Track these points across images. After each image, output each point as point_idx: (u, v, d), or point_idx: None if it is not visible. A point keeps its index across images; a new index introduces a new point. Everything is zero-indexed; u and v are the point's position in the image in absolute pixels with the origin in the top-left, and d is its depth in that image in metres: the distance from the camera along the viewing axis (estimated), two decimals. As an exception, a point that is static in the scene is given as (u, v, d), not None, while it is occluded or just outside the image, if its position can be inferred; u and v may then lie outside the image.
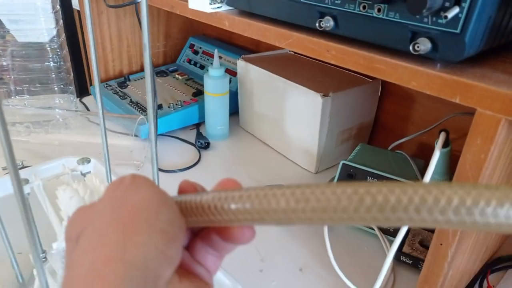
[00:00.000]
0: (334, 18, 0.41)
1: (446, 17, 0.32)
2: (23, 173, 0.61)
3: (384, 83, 0.79)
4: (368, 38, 0.40)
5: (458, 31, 0.32)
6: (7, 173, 0.71)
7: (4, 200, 0.47)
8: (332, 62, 0.44)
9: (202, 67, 1.07)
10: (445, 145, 0.43)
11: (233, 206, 0.19)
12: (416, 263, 0.56)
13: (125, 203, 0.19)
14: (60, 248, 0.39)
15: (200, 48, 1.10)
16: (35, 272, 0.44)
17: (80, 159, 0.45)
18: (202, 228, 0.23)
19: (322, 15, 0.42)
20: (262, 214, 0.18)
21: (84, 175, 0.45)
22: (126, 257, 0.17)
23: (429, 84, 0.37)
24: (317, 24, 0.42)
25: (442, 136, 0.41)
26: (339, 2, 0.40)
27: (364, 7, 0.38)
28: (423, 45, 0.34)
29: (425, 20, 0.34)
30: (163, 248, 0.18)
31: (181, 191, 0.23)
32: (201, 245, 0.23)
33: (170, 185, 0.33)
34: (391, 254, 0.43)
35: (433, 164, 0.38)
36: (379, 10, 0.37)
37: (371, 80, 0.79)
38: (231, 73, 0.96)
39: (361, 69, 0.42)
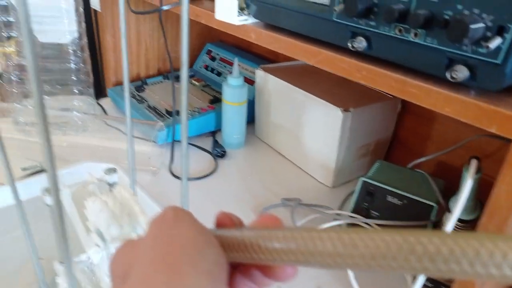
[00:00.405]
0: (367, 39, 0.41)
1: (488, 47, 0.31)
2: (46, 177, 0.61)
3: (404, 100, 0.79)
4: (402, 61, 0.39)
5: (499, 61, 0.32)
6: (28, 173, 0.71)
7: (25, 204, 0.47)
8: (362, 82, 0.44)
9: (219, 73, 1.07)
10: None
11: (277, 245, 0.19)
12: (438, 285, 0.55)
13: (169, 243, 0.19)
14: (83, 259, 0.39)
15: (218, 54, 1.10)
16: (58, 280, 0.44)
17: (107, 169, 0.45)
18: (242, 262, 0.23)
19: (354, 35, 0.42)
20: (307, 256, 0.18)
21: (110, 185, 0.45)
22: None
23: (464, 111, 0.36)
24: (349, 44, 0.42)
25: (473, 163, 0.41)
26: (373, 23, 0.40)
27: (400, 31, 0.38)
28: (461, 73, 0.34)
29: (464, 48, 0.34)
30: None
31: (219, 223, 0.23)
32: (240, 279, 0.22)
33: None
34: (420, 282, 0.42)
35: (466, 192, 0.38)
36: (415, 35, 0.37)
37: (391, 96, 0.79)
38: (248, 81, 0.96)
39: (393, 92, 0.41)
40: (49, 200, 0.42)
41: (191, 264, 0.18)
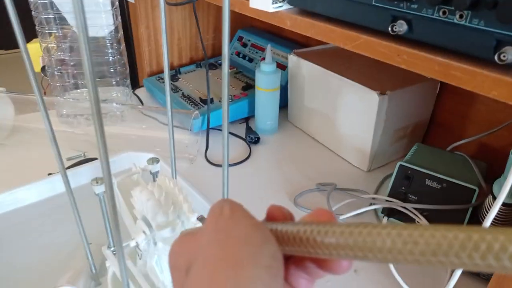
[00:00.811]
0: (409, 22, 0.40)
1: (541, 27, 0.30)
2: (92, 166, 0.64)
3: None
4: (445, 44, 0.38)
5: (552, 41, 0.30)
6: (72, 165, 0.74)
7: (73, 191, 0.49)
8: (403, 66, 0.43)
9: (250, 60, 1.07)
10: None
11: (333, 240, 0.19)
12: (477, 271, 0.55)
13: (229, 237, 0.20)
14: (132, 245, 0.41)
15: (249, 40, 1.10)
16: (107, 263, 0.47)
17: (150, 159, 0.46)
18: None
19: (395, 18, 0.41)
20: (366, 252, 0.18)
21: (153, 174, 0.47)
22: None
23: (513, 94, 0.35)
24: (389, 28, 0.41)
25: (521, 147, 0.39)
26: (415, 6, 0.39)
27: (444, 13, 0.37)
28: (510, 55, 0.33)
29: (514, 28, 0.32)
30: (269, 282, 0.19)
31: (270, 216, 0.24)
32: (294, 270, 0.23)
33: (221, 179, 0.35)
34: (459, 270, 0.42)
35: (512, 176, 0.37)
36: (461, 17, 0.35)
37: (429, 78, 0.76)
38: (280, 66, 0.96)
39: (435, 75, 0.40)
40: (97, 189, 0.44)
41: (251, 258, 0.19)
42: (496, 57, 0.34)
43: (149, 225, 0.39)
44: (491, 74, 0.36)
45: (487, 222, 0.41)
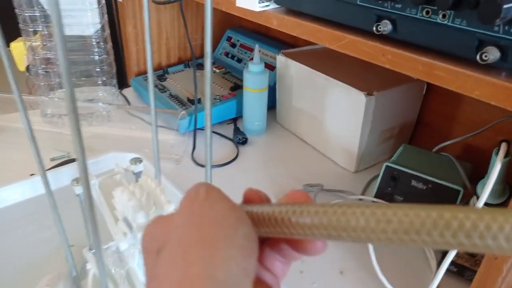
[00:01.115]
0: (393, 22, 0.40)
1: (521, 27, 0.30)
2: (75, 167, 0.63)
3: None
4: (429, 44, 0.38)
5: (533, 41, 0.31)
6: (55, 166, 0.73)
7: (55, 193, 0.48)
8: (387, 66, 0.43)
9: (239, 60, 1.06)
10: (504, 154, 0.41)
11: (308, 220, 0.19)
12: (461, 272, 0.55)
13: (204, 218, 0.20)
14: (112, 247, 0.40)
15: (238, 41, 1.10)
16: (88, 266, 0.46)
17: (133, 159, 0.46)
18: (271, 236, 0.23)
19: (379, 18, 0.41)
20: (340, 231, 0.18)
21: (136, 174, 0.46)
22: (212, 273, 0.18)
23: (495, 94, 0.35)
24: (374, 28, 0.41)
25: (503, 147, 0.40)
26: (399, 6, 0.39)
27: (427, 12, 0.37)
28: (492, 55, 0.33)
29: (496, 29, 0.32)
30: (242, 262, 0.19)
31: (247, 199, 0.24)
32: (269, 252, 0.23)
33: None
34: (444, 266, 0.42)
35: (494, 175, 0.37)
36: (444, 16, 0.35)
37: (415, 78, 0.77)
38: (268, 67, 0.95)
39: (419, 75, 0.40)
40: (78, 189, 0.43)
41: (225, 238, 0.19)
42: (478, 57, 0.34)
43: (130, 226, 0.38)
44: (473, 74, 0.36)
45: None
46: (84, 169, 0.26)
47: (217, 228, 0.19)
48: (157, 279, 0.19)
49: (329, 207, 0.19)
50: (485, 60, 0.34)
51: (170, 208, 0.37)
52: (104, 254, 0.45)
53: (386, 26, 0.40)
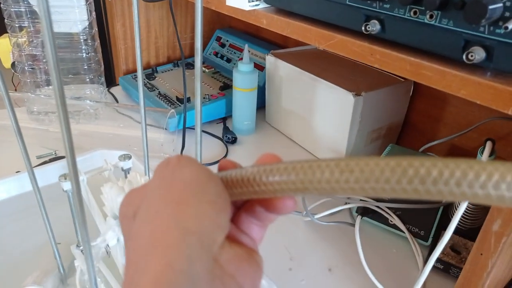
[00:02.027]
0: (381, 22, 0.41)
1: (506, 28, 0.31)
2: (62, 164, 0.62)
3: (416, 83, 0.78)
4: (416, 44, 0.39)
5: (517, 42, 0.31)
6: (42, 163, 0.72)
7: (42, 190, 0.48)
8: (376, 66, 0.44)
9: (229, 60, 1.07)
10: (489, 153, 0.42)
11: (277, 177, 0.20)
12: (447, 269, 0.56)
13: (174, 180, 0.21)
14: (101, 243, 0.40)
15: (227, 41, 1.10)
16: (76, 263, 0.46)
17: (122, 155, 0.45)
18: (246, 201, 0.25)
19: (368, 18, 0.42)
20: (306, 184, 0.19)
21: (125, 171, 0.46)
22: (182, 225, 0.19)
23: (480, 93, 0.36)
24: (362, 28, 0.42)
25: (488, 145, 0.41)
26: (387, 6, 0.39)
27: (415, 13, 0.37)
28: (478, 55, 0.34)
29: (482, 29, 0.33)
30: (213, 216, 0.20)
31: (222, 168, 0.25)
32: (245, 216, 0.24)
33: None
34: (431, 263, 0.42)
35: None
36: (431, 17, 0.36)
37: (402, 80, 0.78)
38: (258, 67, 0.96)
39: (407, 75, 0.41)
40: (66, 185, 0.43)
41: (194, 196, 0.20)
42: (464, 57, 0.35)
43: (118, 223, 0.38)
44: (459, 74, 0.37)
45: (455, 219, 0.41)
46: (73, 163, 0.26)
47: (186, 188, 0.20)
48: (132, 238, 0.20)
49: (297, 163, 0.20)
50: (471, 60, 0.34)
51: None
52: (93, 250, 0.44)
53: (374, 26, 0.41)
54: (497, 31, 0.32)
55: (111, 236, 0.37)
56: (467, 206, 0.52)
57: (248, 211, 0.24)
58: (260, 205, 0.23)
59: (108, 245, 0.39)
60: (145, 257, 0.18)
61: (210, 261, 0.19)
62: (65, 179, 0.41)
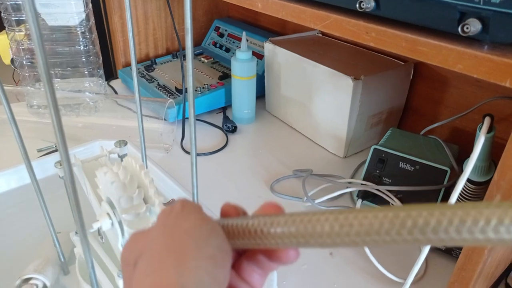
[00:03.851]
0: (375, -1, 0.40)
1: (501, -4, 0.30)
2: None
3: (417, 66, 0.77)
4: (412, 19, 0.38)
5: (512, 11, 0.31)
6: (43, 154, 0.73)
7: (41, 182, 0.48)
8: (372, 44, 0.43)
9: (227, 50, 1.06)
10: (488, 130, 0.42)
11: (278, 230, 0.20)
12: (449, 250, 0.55)
13: (177, 230, 0.21)
14: (95, 227, 0.40)
15: (226, 30, 1.09)
16: (75, 250, 0.46)
17: (117, 141, 0.45)
18: (248, 248, 0.25)
19: (362, -5, 0.41)
20: (307, 238, 0.19)
21: (121, 157, 0.46)
22: (182, 280, 0.19)
23: (477, 67, 0.35)
24: (357, 5, 0.41)
25: (487, 121, 0.40)
26: (381, -19, 0.39)
27: (409, -13, 0.37)
28: (473, 26, 0.33)
29: (476, 0, 0.33)
30: (213, 272, 0.20)
31: (224, 213, 0.25)
32: (247, 264, 0.24)
33: (198, 167, 0.34)
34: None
35: (478, 149, 0.37)
36: (425, -10, 0.35)
37: (402, 63, 0.77)
38: (257, 55, 0.95)
39: (403, 52, 0.40)
40: (61, 172, 0.43)
41: (196, 249, 0.20)
42: (460, 29, 0.34)
43: (113, 207, 0.38)
44: (456, 48, 0.36)
45: (453, 198, 0.41)
46: (64, 145, 0.26)
47: (189, 239, 0.20)
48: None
49: (296, 216, 0.20)
50: (467, 32, 0.34)
51: (154, 191, 0.36)
52: (90, 235, 0.44)
53: (369, 3, 0.40)
54: (492, 1, 0.32)
55: (105, 221, 0.36)
56: (467, 186, 0.51)
57: (250, 259, 0.24)
58: (263, 254, 0.23)
59: (101, 228, 0.39)
60: None
61: None
62: (61, 165, 0.41)
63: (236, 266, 0.24)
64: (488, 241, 0.15)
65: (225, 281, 0.21)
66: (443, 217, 0.16)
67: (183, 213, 0.22)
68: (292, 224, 0.20)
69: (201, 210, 0.22)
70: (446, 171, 0.59)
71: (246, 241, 0.22)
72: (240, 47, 0.83)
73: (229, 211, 0.25)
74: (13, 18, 0.82)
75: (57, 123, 0.25)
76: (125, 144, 0.45)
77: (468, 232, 0.15)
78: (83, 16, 0.85)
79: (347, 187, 0.67)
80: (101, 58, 0.94)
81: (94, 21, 0.90)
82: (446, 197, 0.59)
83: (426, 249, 0.43)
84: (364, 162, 0.75)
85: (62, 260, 0.48)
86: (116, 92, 1.01)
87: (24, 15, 0.83)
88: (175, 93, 0.90)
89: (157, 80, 0.96)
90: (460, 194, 0.53)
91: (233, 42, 1.06)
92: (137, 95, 0.44)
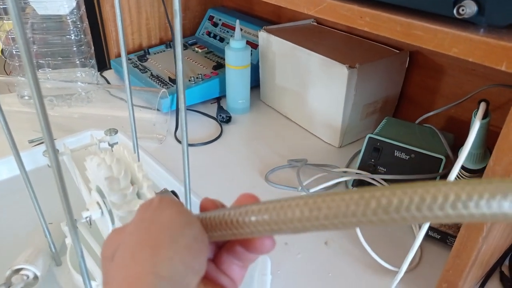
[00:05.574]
0: (370, -18, 0.39)
1: (497, -24, 0.29)
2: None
3: (412, 54, 0.77)
4: (407, 2, 0.38)
5: (509, -9, 0.30)
6: (35, 145, 0.72)
7: (33, 173, 0.47)
8: (366, 29, 0.42)
9: (221, 39, 1.05)
10: (483, 116, 0.41)
11: (253, 218, 0.21)
12: (444, 238, 0.55)
13: (153, 223, 0.21)
14: (86, 216, 0.39)
15: (220, 20, 1.08)
16: (67, 241, 0.45)
17: (107, 130, 0.45)
18: (227, 241, 0.25)
19: (356, -22, 0.40)
20: (280, 224, 0.20)
21: (111, 145, 0.45)
22: (156, 270, 0.19)
23: (472, 50, 0.35)
24: (351, -11, 0.40)
25: (482, 106, 0.39)
26: (376, -37, 0.38)
27: (403, -31, 0.36)
28: (469, 8, 0.32)
29: (472, -20, 0.32)
30: (188, 261, 0.20)
31: (203, 208, 0.25)
32: (226, 256, 0.24)
33: (192, 158, 0.33)
34: (423, 232, 0.42)
35: (473, 135, 0.37)
36: (420, -29, 0.35)
37: (398, 51, 0.77)
38: (252, 45, 0.94)
39: (398, 36, 0.40)
40: (49, 161, 0.42)
41: (171, 240, 0.20)
42: (455, 11, 0.33)
43: (103, 196, 0.37)
44: (451, 31, 0.35)
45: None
46: (48, 130, 0.25)
47: (164, 231, 0.21)
48: (108, 282, 0.21)
49: (269, 203, 0.20)
50: (462, 15, 0.33)
51: (142, 176, 0.36)
52: (83, 225, 0.44)
53: (363, -14, 0.39)
54: (488, -19, 0.31)
55: (94, 210, 0.36)
56: (462, 174, 0.51)
57: (229, 251, 0.24)
58: (241, 245, 0.24)
59: (91, 217, 0.38)
60: None
61: None
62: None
63: (216, 259, 0.25)
64: (447, 217, 0.16)
65: (201, 270, 0.21)
66: (404, 196, 0.16)
67: (160, 207, 0.22)
68: (265, 211, 0.20)
69: (179, 204, 0.23)
70: (441, 159, 0.59)
71: (223, 232, 0.22)
72: (234, 36, 0.82)
73: (208, 205, 0.25)
74: (1, 7, 0.80)
75: (40, 106, 0.24)
76: (116, 132, 0.45)
77: (428, 209, 0.16)
78: (74, 4, 0.84)
79: (342, 176, 0.66)
80: (92, 48, 0.93)
81: (85, 10, 0.88)
82: (441, 186, 0.59)
83: (420, 237, 0.43)
84: (359, 151, 0.75)
85: (53, 250, 0.48)
86: (108, 83, 0.99)
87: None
88: (168, 83, 0.89)
89: (150, 70, 0.95)
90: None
91: (227, 32, 1.05)
92: (127, 83, 0.43)
